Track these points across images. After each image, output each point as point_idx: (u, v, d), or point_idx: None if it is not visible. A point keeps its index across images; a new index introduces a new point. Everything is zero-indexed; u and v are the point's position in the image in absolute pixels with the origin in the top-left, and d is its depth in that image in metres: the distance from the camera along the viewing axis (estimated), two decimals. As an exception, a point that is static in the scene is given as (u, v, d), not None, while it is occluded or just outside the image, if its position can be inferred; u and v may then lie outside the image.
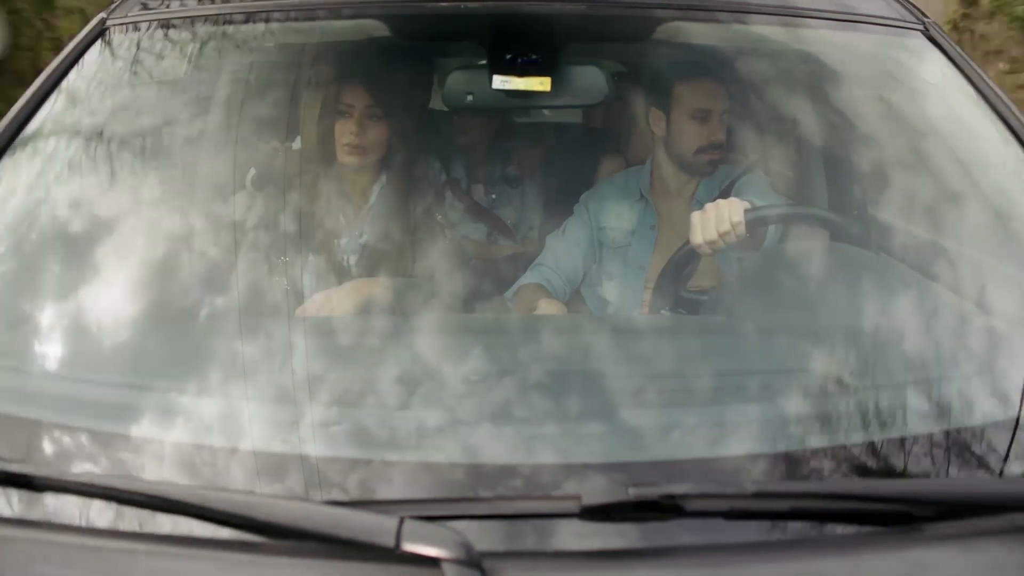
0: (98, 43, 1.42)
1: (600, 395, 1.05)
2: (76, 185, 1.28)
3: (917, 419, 0.99)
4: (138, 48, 1.44)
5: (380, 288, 1.61)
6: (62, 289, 1.18)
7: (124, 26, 1.44)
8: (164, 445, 0.93)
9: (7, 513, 0.83)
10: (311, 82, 1.90)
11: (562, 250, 1.86)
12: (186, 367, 1.09)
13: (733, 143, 1.97)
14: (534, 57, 1.51)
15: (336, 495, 0.87)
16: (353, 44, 1.72)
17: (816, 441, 0.95)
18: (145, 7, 1.46)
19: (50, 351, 1.13)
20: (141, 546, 0.79)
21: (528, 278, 1.83)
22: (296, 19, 1.48)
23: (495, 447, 0.96)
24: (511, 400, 1.02)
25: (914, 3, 1.56)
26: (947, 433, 0.96)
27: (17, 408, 1.00)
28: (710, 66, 1.76)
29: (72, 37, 1.44)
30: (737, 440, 0.97)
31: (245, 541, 0.78)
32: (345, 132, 1.79)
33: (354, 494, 0.87)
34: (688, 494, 0.77)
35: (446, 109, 2.02)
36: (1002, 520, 0.80)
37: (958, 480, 0.91)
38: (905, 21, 1.47)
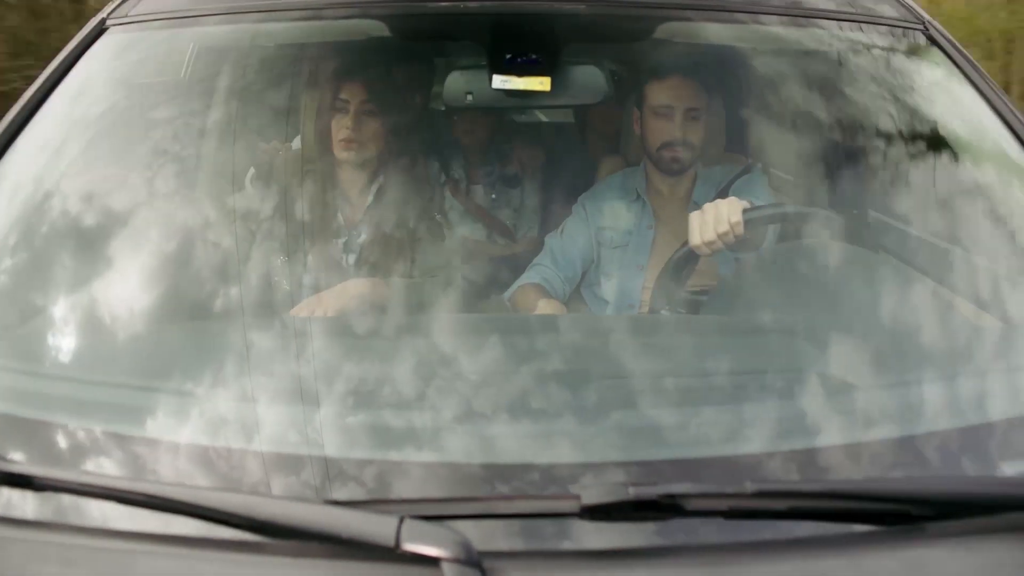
0: (98, 43, 1.42)
1: (600, 395, 1.05)
2: (76, 185, 1.28)
3: (917, 418, 0.99)
4: (138, 48, 1.44)
5: (374, 288, 1.61)
6: (61, 289, 1.18)
7: (124, 26, 1.44)
8: (163, 445, 0.93)
9: (7, 513, 0.83)
10: (310, 82, 1.90)
11: (560, 250, 1.86)
12: (184, 367, 1.09)
13: (732, 143, 1.97)
14: (534, 57, 1.52)
15: (335, 495, 0.87)
16: (353, 44, 1.72)
17: (816, 440, 0.95)
18: (145, 7, 1.46)
19: (49, 351, 1.13)
20: (141, 546, 0.79)
21: (527, 278, 1.82)
22: (296, 19, 1.48)
23: (495, 447, 0.96)
24: (510, 400, 1.02)
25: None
26: (947, 432, 0.96)
27: (17, 408, 1.00)
28: (681, 64, 1.75)
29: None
30: (737, 439, 0.97)
31: (244, 541, 0.78)
32: (341, 127, 1.80)
33: (353, 494, 0.87)
34: (688, 494, 0.77)
35: (445, 109, 2.02)
36: (1002, 520, 0.80)
37: (958, 479, 0.91)
38: (906, 20, 1.47)
